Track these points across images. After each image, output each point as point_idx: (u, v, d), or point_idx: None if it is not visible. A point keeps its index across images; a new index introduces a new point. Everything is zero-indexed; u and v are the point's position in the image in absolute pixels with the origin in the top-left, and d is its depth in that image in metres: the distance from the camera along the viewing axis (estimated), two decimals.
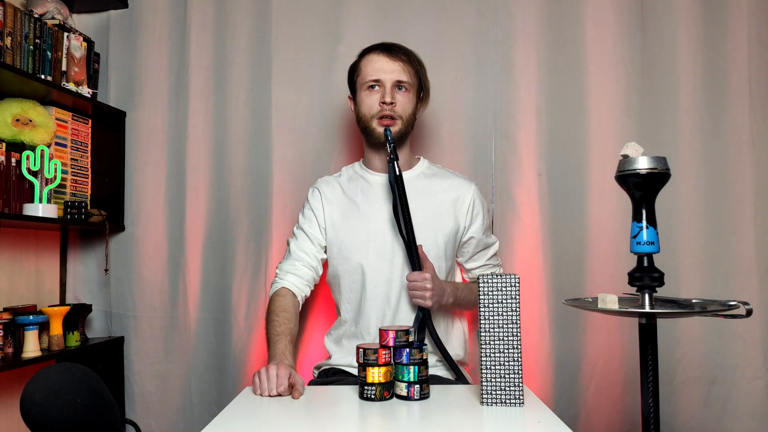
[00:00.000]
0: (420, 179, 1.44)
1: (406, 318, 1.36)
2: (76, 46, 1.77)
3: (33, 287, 1.80)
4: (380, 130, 1.36)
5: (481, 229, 1.44)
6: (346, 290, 1.42)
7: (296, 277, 1.42)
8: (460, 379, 1.35)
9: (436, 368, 1.36)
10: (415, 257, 1.29)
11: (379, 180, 1.44)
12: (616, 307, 0.94)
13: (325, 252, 1.46)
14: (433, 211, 1.39)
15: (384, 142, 1.36)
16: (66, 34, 1.77)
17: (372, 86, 1.38)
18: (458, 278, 1.52)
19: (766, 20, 1.67)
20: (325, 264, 1.49)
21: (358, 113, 1.42)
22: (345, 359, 1.40)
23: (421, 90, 1.44)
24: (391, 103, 1.35)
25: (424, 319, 1.31)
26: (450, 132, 1.75)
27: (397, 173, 1.29)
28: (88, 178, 1.89)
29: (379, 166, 1.44)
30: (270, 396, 1.11)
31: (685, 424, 1.63)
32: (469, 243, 1.45)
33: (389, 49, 1.39)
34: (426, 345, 1.11)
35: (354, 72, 1.44)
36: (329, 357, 1.44)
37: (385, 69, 1.37)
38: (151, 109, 1.90)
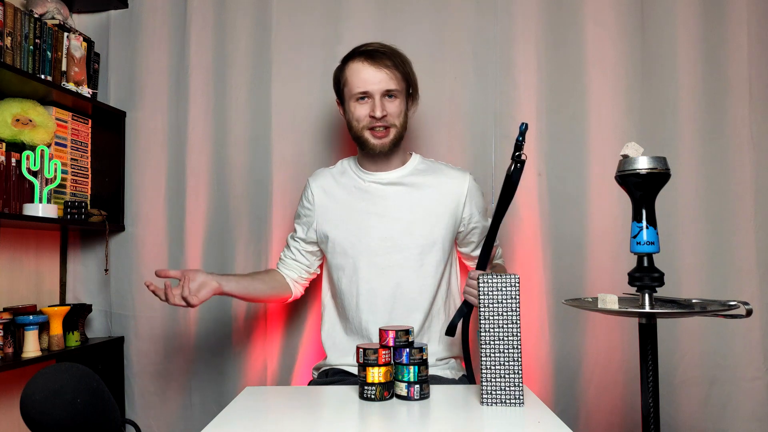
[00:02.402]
0: (414, 175, 1.43)
1: (400, 317, 1.36)
2: (76, 46, 1.77)
3: (33, 287, 1.80)
4: (374, 141, 1.35)
5: (483, 217, 1.45)
6: (339, 285, 1.42)
7: (282, 266, 1.52)
8: (469, 377, 1.36)
9: (436, 368, 1.37)
10: (487, 258, 1.28)
11: (372, 178, 1.43)
12: (616, 307, 0.94)
13: (316, 246, 1.48)
14: (429, 205, 1.39)
15: (382, 154, 1.37)
16: (66, 34, 1.77)
17: (361, 98, 1.35)
18: (455, 270, 1.50)
19: (766, 20, 1.67)
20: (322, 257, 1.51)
21: (348, 122, 1.40)
22: (341, 359, 1.40)
23: (410, 87, 1.41)
24: (383, 116, 1.33)
25: (465, 316, 1.31)
26: (450, 132, 1.75)
27: (515, 176, 1.21)
28: (88, 178, 1.89)
29: (373, 167, 1.43)
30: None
31: (685, 424, 1.63)
32: (473, 233, 1.45)
33: (372, 56, 1.33)
34: (426, 345, 1.11)
35: (339, 80, 1.40)
36: (326, 357, 1.44)
37: (371, 80, 1.32)
38: (151, 109, 1.90)
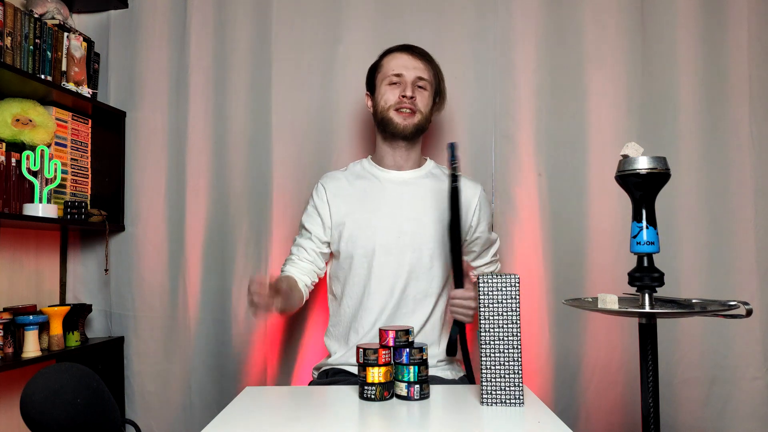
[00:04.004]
0: (428, 178, 1.46)
1: (407, 314, 1.37)
2: (76, 46, 1.77)
3: (33, 287, 1.80)
4: (398, 120, 1.40)
5: (487, 228, 1.48)
6: (347, 283, 1.42)
7: (296, 269, 1.45)
8: (469, 377, 1.38)
9: (436, 368, 1.37)
10: (460, 275, 1.30)
11: (387, 177, 1.45)
12: (616, 307, 0.94)
13: (328, 247, 1.47)
14: (441, 208, 1.40)
15: (403, 136, 1.41)
16: (66, 34, 1.77)
17: (393, 81, 1.41)
18: None
19: (766, 20, 1.67)
20: (329, 257, 1.50)
21: (375, 107, 1.45)
22: (344, 357, 1.40)
23: (438, 93, 1.47)
24: (412, 97, 1.39)
25: (460, 333, 1.34)
26: (450, 132, 1.75)
27: (457, 190, 1.26)
28: (88, 178, 1.89)
29: (391, 163, 1.46)
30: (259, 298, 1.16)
31: (685, 424, 1.63)
32: (475, 243, 1.48)
33: (411, 49, 1.44)
34: (426, 345, 1.11)
35: (375, 70, 1.47)
36: (329, 356, 1.44)
37: (407, 65, 1.41)
38: (151, 109, 1.90)
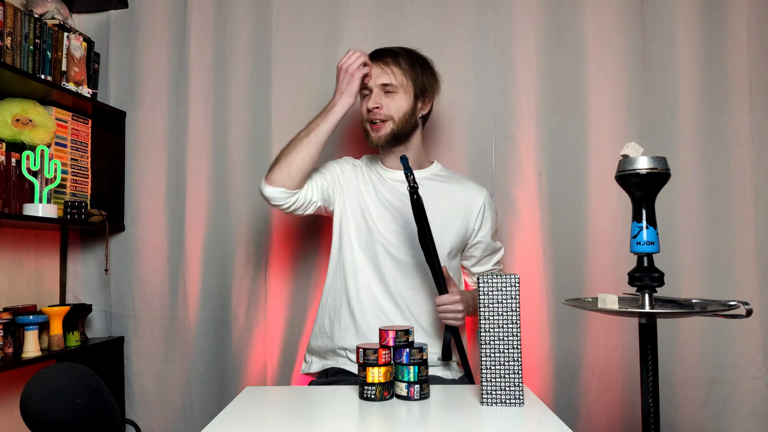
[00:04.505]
0: (432, 180, 1.47)
1: (406, 312, 1.37)
2: (76, 46, 1.77)
3: (33, 287, 1.80)
4: (372, 134, 1.42)
5: (489, 233, 1.47)
6: (347, 274, 1.41)
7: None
8: (468, 377, 1.38)
9: (436, 368, 1.37)
10: (441, 282, 1.30)
11: (391, 176, 1.47)
12: (616, 307, 0.94)
13: (327, 201, 1.44)
14: (443, 211, 1.40)
15: (380, 146, 1.43)
16: (66, 34, 1.76)
17: (364, 94, 1.42)
18: (461, 279, 1.52)
19: (766, 20, 1.67)
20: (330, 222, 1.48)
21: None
22: (342, 341, 1.38)
23: (421, 89, 1.43)
24: (376, 108, 1.39)
25: (454, 338, 1.34)
26: (450, 132, 1.75)
27: (419, 203, 1.27)
28: (88, 178, 1.89)
29: (391, 164, 1.48)
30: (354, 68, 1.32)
31: (685, 423, 1.63)
32: (476, 247, 1.47)
33: (379, 55, 1.42)
34: (426, 345, 1.11)
35: None
36: (329, 336, 1.42)
37: (371, 75, 1.40)
38: (151, 109, 1.90)
